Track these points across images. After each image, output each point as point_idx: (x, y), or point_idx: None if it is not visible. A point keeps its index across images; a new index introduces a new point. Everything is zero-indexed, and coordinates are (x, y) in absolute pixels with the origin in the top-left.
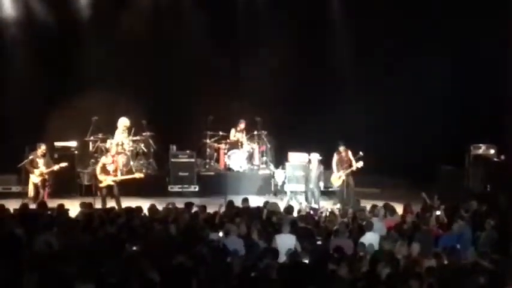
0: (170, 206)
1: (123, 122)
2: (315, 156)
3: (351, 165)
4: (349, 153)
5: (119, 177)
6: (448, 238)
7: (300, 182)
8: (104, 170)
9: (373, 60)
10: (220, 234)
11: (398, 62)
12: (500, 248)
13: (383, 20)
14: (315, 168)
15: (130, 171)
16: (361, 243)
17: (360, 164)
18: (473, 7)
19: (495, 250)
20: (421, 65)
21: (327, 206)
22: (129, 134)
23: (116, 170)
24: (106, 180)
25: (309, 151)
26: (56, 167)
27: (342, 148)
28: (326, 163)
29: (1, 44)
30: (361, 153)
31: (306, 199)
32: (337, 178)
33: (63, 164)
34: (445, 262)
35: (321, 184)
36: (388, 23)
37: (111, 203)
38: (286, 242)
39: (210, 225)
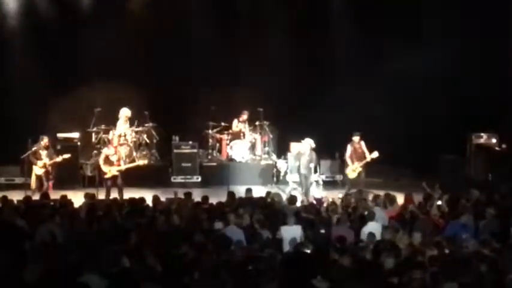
0: (173, 196)
1: (125, 113)
2: (308, 142)
3: (365, 157)
4: (363, 144)
5: (123, 167)
6: (454, 227)
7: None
8: (108, 161)
9: (374, 50)
10: (221, 224)
11: (399, 51)
12: (500, 237)
13: (383, 6)
14: (307, 154)
15: (133, 162)
16: (363, 233)
17: (375, 154)
18: None
19: (495, 239)
20: (422, 54)
21: (329, 195)
22: (131, 124)
23: (119, 160)
24: (110, 171)
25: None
26: (59, 159)
27: (356, 138)
28: (330, 152)
29: (3, 35)
30: (376, 152)
31: (300, 185)
32: (352, 170)
33: (66, 156)
34: (446, 251)
35: (312, 166)
36: (387, 9)
37: (114, 194)
38: (291, 233)
39: (213, 216)
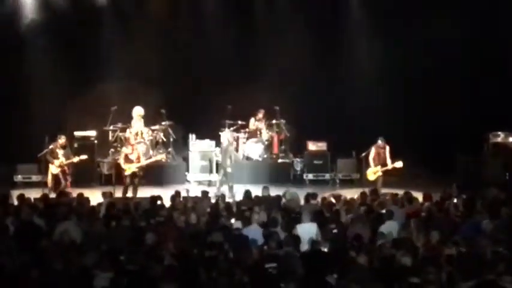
0: (186, 194)
1: (137, 112)
2: (228, 134)
3: (386, 163)
4: (387, 150)
5: (143, 163)
6: (469, 226)
7: (319, 170)
8: (127, 160)
9: (391, 49)
10: (239, 223)
11: (416, 48)
12: None
13: (398, 6)
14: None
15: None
16: (380, 232)
17: (399, 164)
18: None
19: (510, 238)
20: (440, 52)
21: (346, 194)
22: (146, 123)
23: (138, 158)
24: (130, 168)
25: (328, 140)
26: (75, 159)
27: (381, 143)
28: (346, 151)
29: (20, 34)
30: (400, 162)
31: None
32: (373, 173)
33: (83, 157)
34: (463, 250)
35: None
36: (402, 9)
37: (130, 192)
38: (307, 231)
39: (230, 214)
